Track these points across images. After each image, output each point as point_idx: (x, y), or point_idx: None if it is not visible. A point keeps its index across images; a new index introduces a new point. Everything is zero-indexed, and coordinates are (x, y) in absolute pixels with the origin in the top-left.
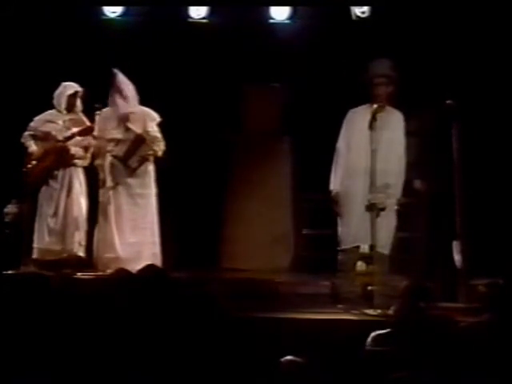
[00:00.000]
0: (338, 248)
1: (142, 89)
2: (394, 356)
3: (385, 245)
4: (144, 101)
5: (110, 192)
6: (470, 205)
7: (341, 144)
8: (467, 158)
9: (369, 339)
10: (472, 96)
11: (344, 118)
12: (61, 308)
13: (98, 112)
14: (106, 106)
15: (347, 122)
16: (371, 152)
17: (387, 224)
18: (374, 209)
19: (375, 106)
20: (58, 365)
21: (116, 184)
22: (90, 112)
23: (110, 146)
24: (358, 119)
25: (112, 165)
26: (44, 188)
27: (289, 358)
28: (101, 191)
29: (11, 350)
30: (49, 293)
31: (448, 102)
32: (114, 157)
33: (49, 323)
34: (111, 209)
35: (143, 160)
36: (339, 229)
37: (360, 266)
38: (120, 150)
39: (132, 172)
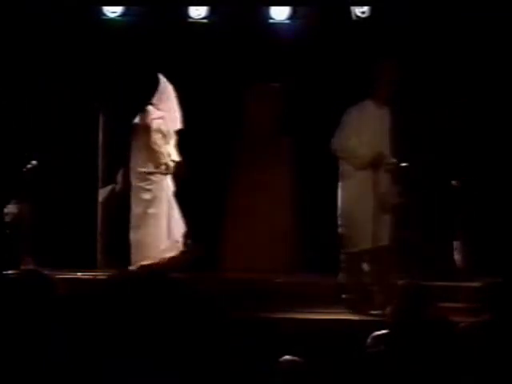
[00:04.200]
0: (342, 251)
1: (142, 89)
2: (393, 356)
3: (388, 238)
4: (144, 101)
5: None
6: (471, 205)
7: (354, 141)
8: (471, 160)
9: (368, 340)
10: (477, 95)
11: (343, 115)
12: (60, 308)
13: None
14: (105, 105)
15: (356, 118)
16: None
17: (388, 219)
18: (387, 208)
19: None
20: (56, 364)
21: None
22: (89, 112)
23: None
24: (365, 116)
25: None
26: None
27: (288, 357)
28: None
29: (10, 348)
30: (48, 291)
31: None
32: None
33: (48, 323)
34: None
35: None
36: (343, 229)
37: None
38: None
39: None
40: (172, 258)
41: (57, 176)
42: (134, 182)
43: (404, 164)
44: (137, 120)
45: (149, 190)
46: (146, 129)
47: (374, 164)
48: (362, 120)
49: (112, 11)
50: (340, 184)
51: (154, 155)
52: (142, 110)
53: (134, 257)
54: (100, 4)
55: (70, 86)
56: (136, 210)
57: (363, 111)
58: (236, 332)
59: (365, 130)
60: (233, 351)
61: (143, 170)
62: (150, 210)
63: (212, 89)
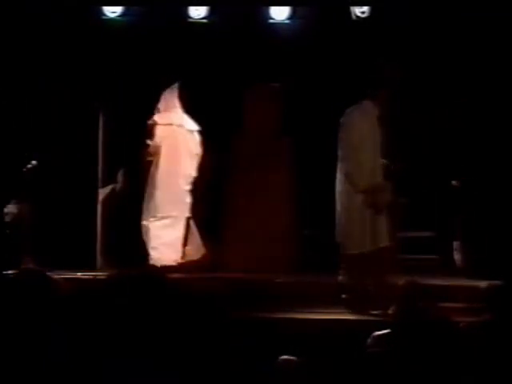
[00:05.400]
0: (342, 252)
1: (142, 89)
2: (393, 356)
3: (388, 238)
4: (143, 101)
5: None
6: (471, 205)
7: (357, 140)
8: (471, 160)
9: (369, 340)
10: (477, 95)
11: (344, 116)
12: (60, 307)
13: None
14: (105, 105)
15: (358, 121)
16: (378, 149)
17: (388, 218)
18: (375, 207)
19: None
20: (56, 364)
21: None
22: (89, 112)
23: None
24: (366, 117)
25: None
26: None
27: (284, 357)
28: None
29: (10, 348)
30: (48, 291)
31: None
32: None
33: (48, 323)
34: None
35: None
36: (342, 231)
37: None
38: None
39: None
40: (194, 261)
41: (57, 176)
42: (182, 185)
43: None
44: (195, 127)
45: (189, 195)
46: (198, 139)
47: (368, 191)
48: (364, 121)
49: (112, 11)
50: (338, 183)
51: (196, 163)
52: (184, 117)
53: (165, 256)
54: (100, 4)
55: (70, 86)
56: (173, 213)
57: (364, 112)
58: (236, 332)
59: (367, 133)
60: (233, 351)
61: (194, 175)
62: (188, 214)
63: (212, 89)
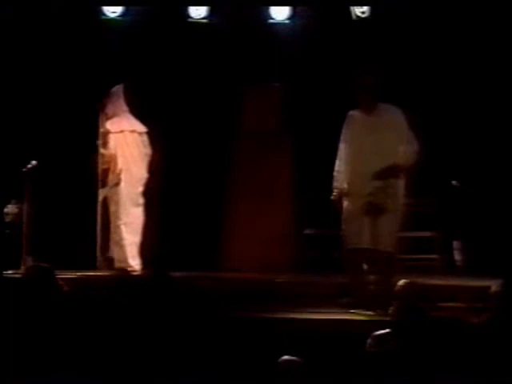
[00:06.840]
0: (343, 247)
1: (142, 89)
2: (393, 356)
3: (389, 243)
4: (143, 101)
5: None
6: (472, 205)
7: (341, 145)
8: (472, 159)
9: (369, 340)
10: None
11: (344, 119)
12: (62, 307)
13: None
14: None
15: (347, 123)
16: (373, 153)
17: (390, 222)
18: (373, 210)
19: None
20: (55, 364)
21: None
22: (89, 111)
23: None
24: (357, 121)
25: None
26: None
27: (286, 357)
28: None
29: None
30: (50, 287)
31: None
32: None
33: (49, 322)
34: None
35: None
36: (342, 227)
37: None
38: None
39: None
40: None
41: (57, 176)
42: (137, 188)
43: None
44: (144, 129)
45: (141, 197)
46: (146, 140)
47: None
48: (349, 129)
49: (112, 11)
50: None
51: (147, 163)
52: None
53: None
54: (100, 4)
55: (70, 86)
56: (131, 217)
57: (351, 119)
58: (236, 332)
59: (350, 140)
60: (231, 351)
61: (146, 176)
62: (142, 217)
63: (212, 89)
